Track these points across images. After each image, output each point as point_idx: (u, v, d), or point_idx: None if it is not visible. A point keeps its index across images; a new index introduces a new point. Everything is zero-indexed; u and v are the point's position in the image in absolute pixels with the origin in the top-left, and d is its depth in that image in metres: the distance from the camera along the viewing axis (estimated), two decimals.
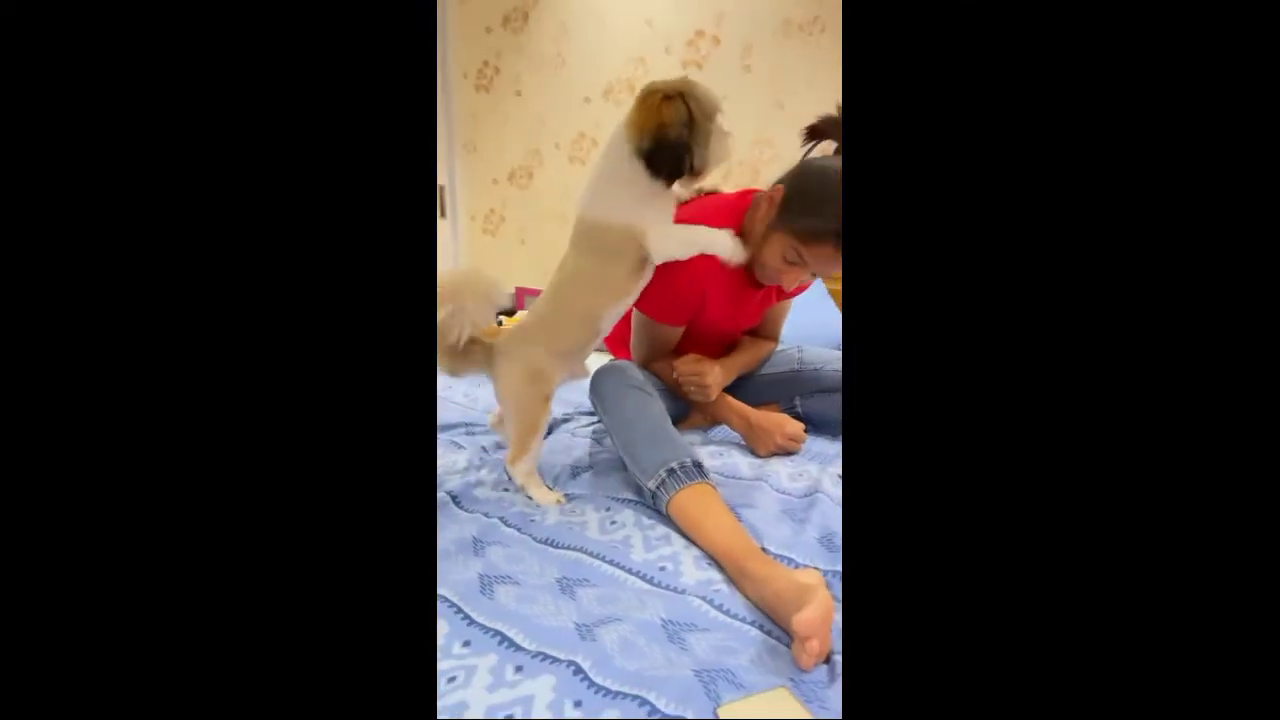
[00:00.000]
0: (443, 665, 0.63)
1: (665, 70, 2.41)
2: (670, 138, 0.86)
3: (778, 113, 2.21)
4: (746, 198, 1.14)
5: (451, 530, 0.90)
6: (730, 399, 1.20)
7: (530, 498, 0.99)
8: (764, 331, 1.33)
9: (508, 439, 1.05)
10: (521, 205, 3.02)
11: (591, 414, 1.40)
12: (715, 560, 0.82)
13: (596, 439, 1.26)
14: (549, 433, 1.32)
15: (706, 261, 1.07)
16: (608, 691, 0.59)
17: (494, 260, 3.19)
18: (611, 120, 2.65)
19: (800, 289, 1.27)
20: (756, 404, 1.23)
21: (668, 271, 1.04)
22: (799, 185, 1.02)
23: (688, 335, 1.20)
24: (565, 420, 1.39)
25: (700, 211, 1.10)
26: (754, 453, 1.16)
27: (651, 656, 0.64)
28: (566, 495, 1.00)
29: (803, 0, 2.11)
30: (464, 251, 3.26)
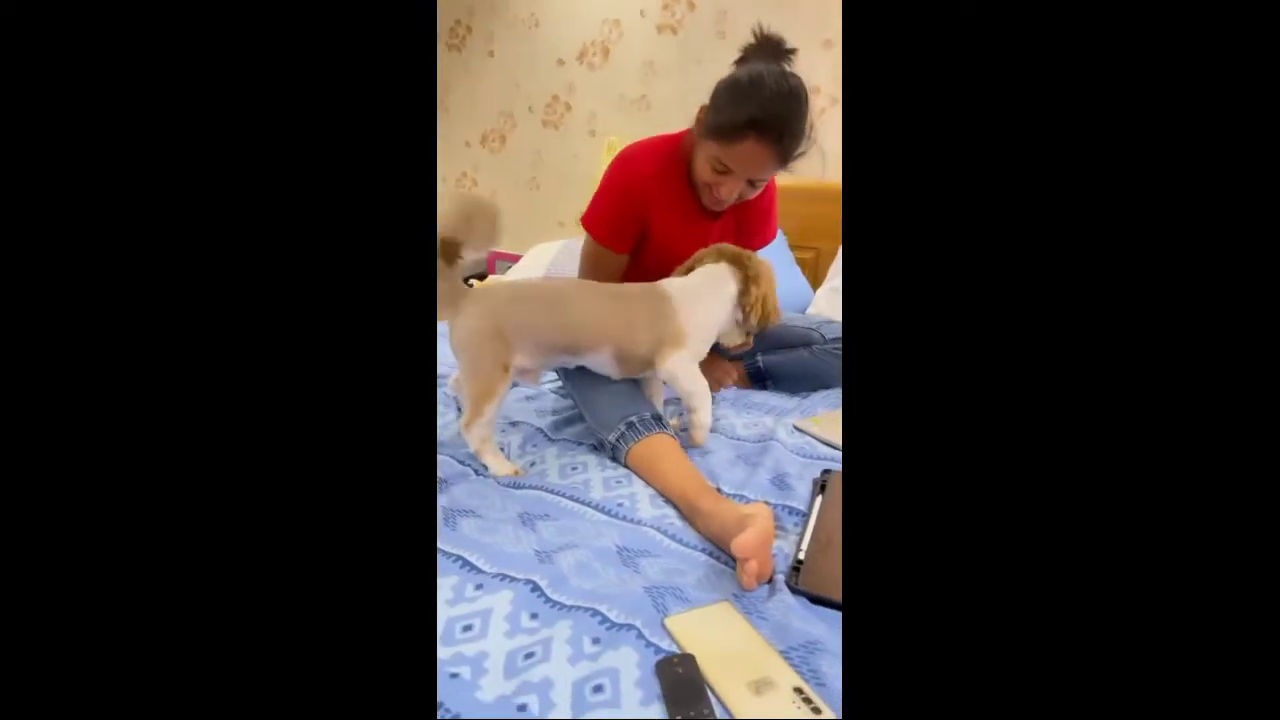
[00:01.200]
0: None
1: (640, 34, 2.39)
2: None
3: None
4: (681, 136, 1.16)
5: None
6: None
7: (485, 467, 0.95)
8: None
9: (464, 401, 0.98)
10: (493, 168, 2.98)
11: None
12: (670, 500, 0.86)
13: (562, 394, 1.29)
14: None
15: (646, 183, 1.11)
16: (562, 606, 0.62)
17: None
18: (586, 82, 2.63)
19: (766, 239, 1.29)
20: (728, 358, 1.28)
21: (607, 191, 1.12)
22: (712, 96, 1.05)
23: (640, 267, 1.21)
24: None
25: (641, 149, 1.14)
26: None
27: (606, 577, 0.68)
28: (524, 467, 0.97)
29: None
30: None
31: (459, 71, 2.93)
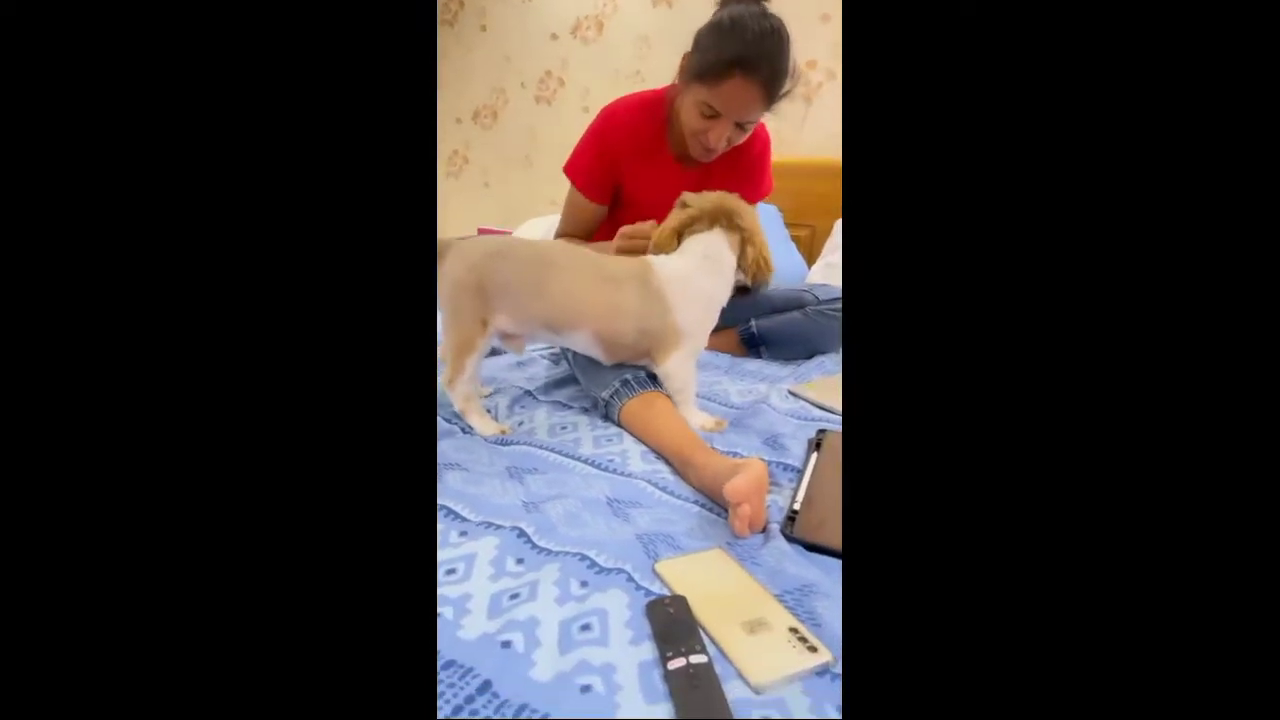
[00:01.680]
0: None
1: (634, 8, 2.36)
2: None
3: None
4: (665, 91, 1.18)
5: None
6: None
7: (470, 428, 0.92)
8: None
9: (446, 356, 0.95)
10: (485, 146, 2.95)
11: None
12: (662, 456, 0.84)
13: (553, 360, 1.26)
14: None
15: (623, 136, 1.14)
16: (550, 552, 0.60)
17: (456, 203, 3.12)
18: (580, 58, 2.59)
19: (761, 192, 1.27)
20: (719, 326, 1.25)
21: (586, 140, 1.18)
22: (695, 40, 1.06)
23: (617, 225, 1.18)
24: None
25: (623, 103, 1.17)
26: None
27: (595, 526, 0.65)
28: (512, 426, 0.94)
29: None
30: None
31: (451, 46, 2.89)
